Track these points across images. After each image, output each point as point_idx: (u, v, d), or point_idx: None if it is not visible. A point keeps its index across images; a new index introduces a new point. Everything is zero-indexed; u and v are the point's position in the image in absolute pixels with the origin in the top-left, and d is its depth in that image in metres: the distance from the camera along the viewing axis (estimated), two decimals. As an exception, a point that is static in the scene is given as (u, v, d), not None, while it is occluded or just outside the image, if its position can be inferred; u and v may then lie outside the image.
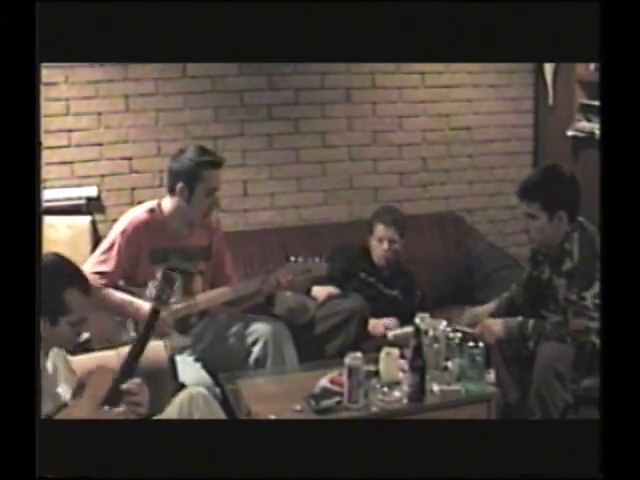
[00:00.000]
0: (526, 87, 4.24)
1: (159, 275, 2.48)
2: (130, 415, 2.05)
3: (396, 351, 2.61)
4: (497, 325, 2.79)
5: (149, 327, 2.26)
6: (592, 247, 2.65)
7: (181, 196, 2.86)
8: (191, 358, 2.84)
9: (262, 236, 3.72)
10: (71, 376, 2.18)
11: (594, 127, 3.73)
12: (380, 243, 3.43)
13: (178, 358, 2.66)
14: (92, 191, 3.54)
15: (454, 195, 4.19)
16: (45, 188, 3.33)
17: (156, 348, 2.55)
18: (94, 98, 3.50)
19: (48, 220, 3.22)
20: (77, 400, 2.07)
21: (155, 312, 2.31)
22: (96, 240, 3.22)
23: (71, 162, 3.51)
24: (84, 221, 3.40)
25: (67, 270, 2.08)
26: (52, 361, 2.13)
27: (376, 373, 2.59)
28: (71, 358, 2.26)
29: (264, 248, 3.66)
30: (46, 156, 3.35)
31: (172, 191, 2.88)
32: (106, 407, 2.03)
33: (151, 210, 2.92)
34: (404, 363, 2.56)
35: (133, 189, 3.63)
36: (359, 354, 2.45)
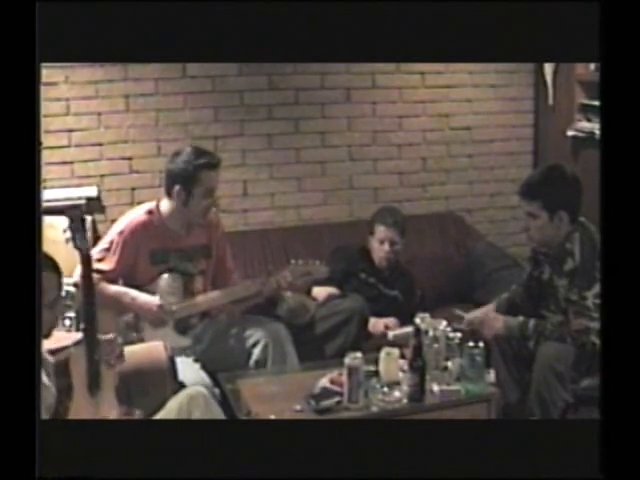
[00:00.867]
0: (526, 87, 4.24)
1: (67, 219, 2.29)
2: (110, 365, 2.09)
3: (396, 351, 2.61)
4: (497, 321, 2.79)
5: (86, 273, 2.17)
6: (593, 247, 2.65)
7: (178, 198, 2.86)
8: (191, 359, 2.84)
9: (262, 236, 3.72)
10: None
11: (594, 127, 3.73)
12: (381, 244, 3.43)
13: (178, 359, 2.66)
14: (92, 191, 3.53)
15: (454, 195, 4.19)
16: (45, 188, 3.33)
17: (156, 348, 2.55)
18: (94, 98, 3.50)
19: (48, 220, 3.22)
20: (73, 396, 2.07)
21: (87, 258, 2.22)
22: (96, 240, 3.21)
23: (71, 162, 3.51)
24: (84, 221, 3.39)
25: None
26: None
27: (376, 373, 2.59)
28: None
29: (264, 248, 3.66)
30: (46, 156, 3.35)
31: (169, 194, 2.88)
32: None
33: (149, 211, 2.92)
34: (404, 363, 2.56)
35: (133, 189, 3.63)
36: (359, 354, 2.45)
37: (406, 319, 3.06)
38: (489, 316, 2.82)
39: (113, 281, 2.85)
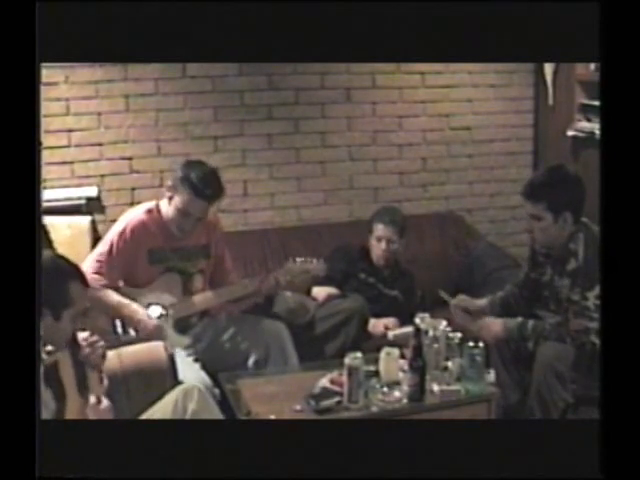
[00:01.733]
0: (526, 87, 4.24)
1: None
2: (93, 367, 2.09)
3: (396, 351, 2.61)
4: (496, 325, 2.78)
5: None
6: (596, 248, 2.64)
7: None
8: (190, 358, 2.84)
9: (262, 236, 3.72)
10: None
11: (594, 127, 3.73)
12: (379, 243, 3.43)
13: (178, 358, 2.66)
14: (92, 191, 3.54)
15: (454, 195, 4.19)
16: (45, 188, 3.33)
17: (156, 348, 2.55)
18: (94, 98, 3.50)
19: (48, 220, 3.22)
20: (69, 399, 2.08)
21: None
22: (96, 240, 3.22)
23: (71, 162, 3.51)
24: (84, 221, 3.39)
25: (68, 264, 2.11)
26: None
27: (376, 373, 2.59)
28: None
29: (264, 248, 3.66)
30: (46, 156, 3.35)
31: (170, 198, 2.89)
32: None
33: (149, 211, 2.92)
34: (404, 363, 2.56)
35: (133, 189, 3.63)
36: (359, 354, 2.45)
37: (406, 319, 3.06)
38: (487, 322, 2.81)
39: (115, 282, 2.86)
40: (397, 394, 2.49)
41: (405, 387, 2.50)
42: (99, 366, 2.14)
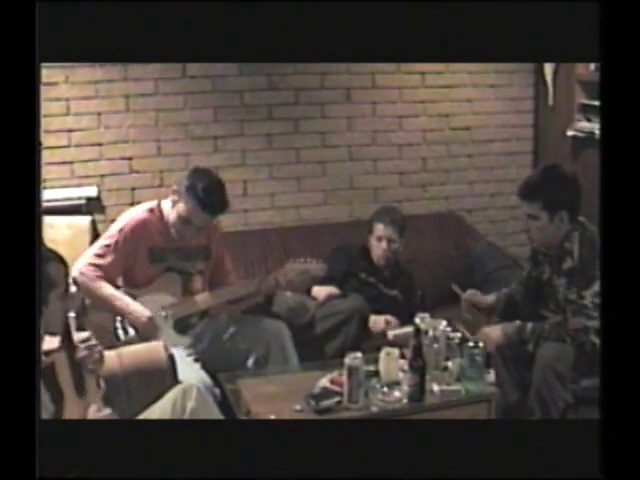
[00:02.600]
0: (526, 87, 4.24)
1: None
2: (90, 369, 2.09)
3: (396, 351, 2.61)
4: (495, 332, 2.78)
5: None
6: (592, 246, 2.65)
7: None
8: (191, 358, 2.84)
9: (262, 236, 3.72)
10: None
11: (594, 127, 3.73)
12: (379, 242, 3.43)
13: (178, 358, 2.66)
14: (92, 191, 3.54)
15: (454, 195, 4.19)
16: (45, 188, 3.33)
17: (156, 348, 2.55)
18: (94, 98, 3.50)
19: (48, 220, 3.22)
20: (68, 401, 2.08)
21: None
22: (96, 240, 3.22)
23: (71, 162, 3.51)
24: (84, 221, 3.40)
25: (45, 248, 2.11)
26: None
27: (376, 373, 2.59)
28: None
29: (264, 248, 3.66)
30: (46, 156, 3.35)
31: (173, 202, 2.88)
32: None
33: (150, 210, 2.92)
34: (404, 363, 2.56)
35: (133, 189, 3.63)
36: (359, 354, 2.45)
37: (406, 319, 3.06)
38: (487, 331, 2.81)
39: (113, 278, 2.86)
40: (397, 394, 2.49)
41: (405, 387, 2.50)
42: (96, 370, 2.14)
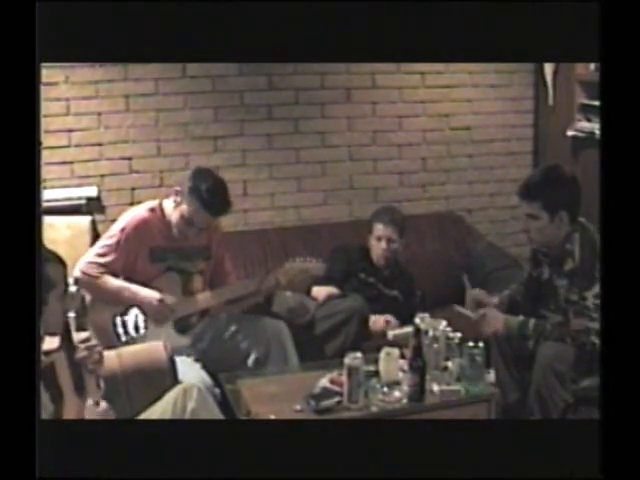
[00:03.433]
0: (526, 87, 4.24)
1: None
2: (90, 370, 2.08)
3: (396, 351, 2.61)
4: (497, 320, 2.77)
5: None
6: (593, 247, 2.65)
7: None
8: (191, 358, 2.84)
9: (262, 236, 3.72)
10: None
11: (594, 127, 3.73)
12: (379, 242, 3.43)
13: (178, 358, 2.66)
14: (92, 191, 3.54)
15: (454, 195, 4.19)
16: (45, 188, 3.33)
17: (156, 348, 2.55)
18: (94, 98, 3.50)
19: (48, 220, 3.22)
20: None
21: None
22: (96, 240, 3.21)
23: (71, 162, 3.51)
24: (84, 221, 3.40)
25: (43, 249, 2.09)
26: None
27: (376, 373, 2.59)
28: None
29: (264, 248, 3.66)
30: (46, 156, 3.34)
31: (175, 202, 2.89)
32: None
33: (152, 209, 2.93)
34: (404, 363, 2.56)
35: (133, 189, 3.63)
36: (359, 354, 2.45)
37: (406, 319, 3.06)
38: (489, 314, 2.81)
39: (115, 276, 2.86)
40: (397, 394, 2.49)
41: (405, 387, 2.50)
42: (96, 370, 2.14)
